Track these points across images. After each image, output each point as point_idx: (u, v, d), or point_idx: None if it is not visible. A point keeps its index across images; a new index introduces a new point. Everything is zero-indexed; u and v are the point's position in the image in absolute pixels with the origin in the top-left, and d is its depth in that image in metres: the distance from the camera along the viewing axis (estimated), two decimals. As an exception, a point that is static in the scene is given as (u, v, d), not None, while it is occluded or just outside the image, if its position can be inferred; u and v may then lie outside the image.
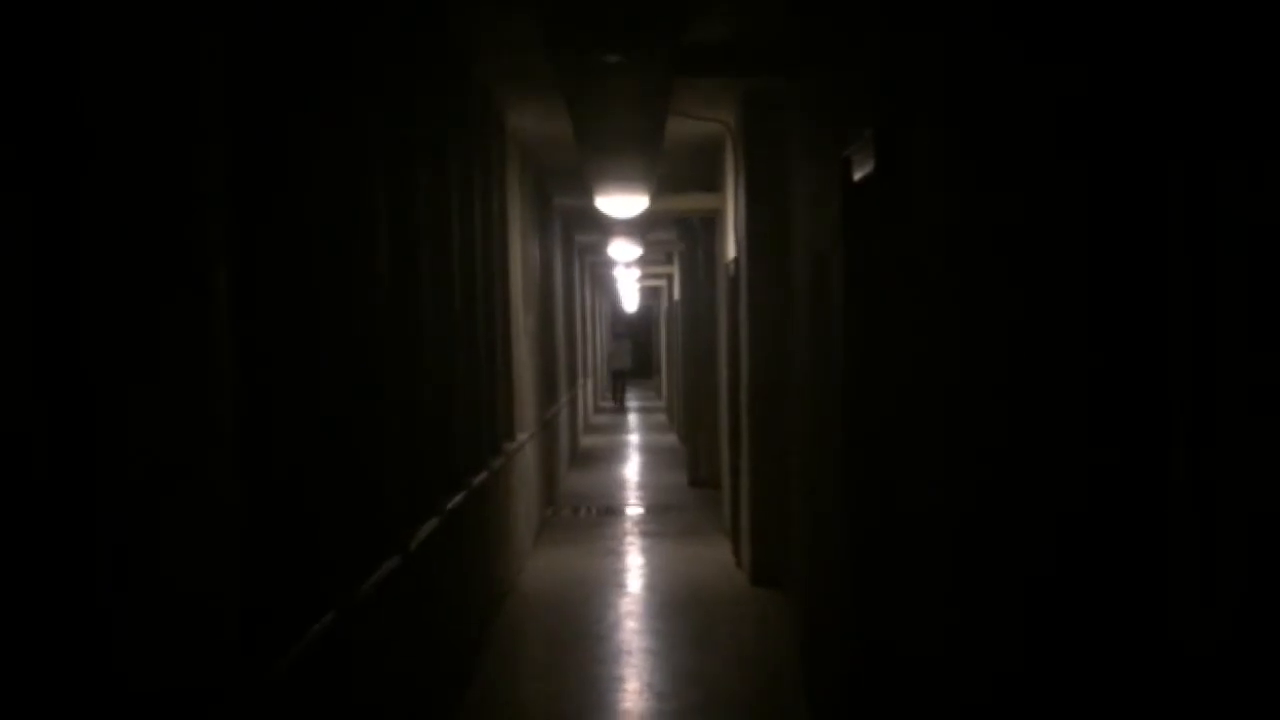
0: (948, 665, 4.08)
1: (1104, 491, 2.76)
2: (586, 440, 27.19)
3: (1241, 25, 2.23)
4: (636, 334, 48.72)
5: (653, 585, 11.73)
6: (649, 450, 25.04)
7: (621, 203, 12.19)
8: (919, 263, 4.41)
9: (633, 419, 34.24)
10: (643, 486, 19.22)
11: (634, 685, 8.42)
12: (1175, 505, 2.49)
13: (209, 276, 3.47)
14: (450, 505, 7.95)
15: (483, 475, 9.69)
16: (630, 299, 39.60)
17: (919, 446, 4.46)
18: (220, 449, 3.52)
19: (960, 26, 3.83)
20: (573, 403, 23.43)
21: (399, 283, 6.56)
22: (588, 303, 31.66)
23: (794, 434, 8.24)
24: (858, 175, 5.62)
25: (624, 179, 11.25)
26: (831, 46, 6.27)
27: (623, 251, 19.65)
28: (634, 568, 12.66)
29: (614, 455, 24.14)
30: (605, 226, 18.00)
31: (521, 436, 13.02)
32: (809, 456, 7.27)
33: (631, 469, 21.69)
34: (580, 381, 27.01)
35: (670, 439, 27.54)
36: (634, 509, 16.82)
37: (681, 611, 10.60)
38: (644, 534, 14.73)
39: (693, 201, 14.52)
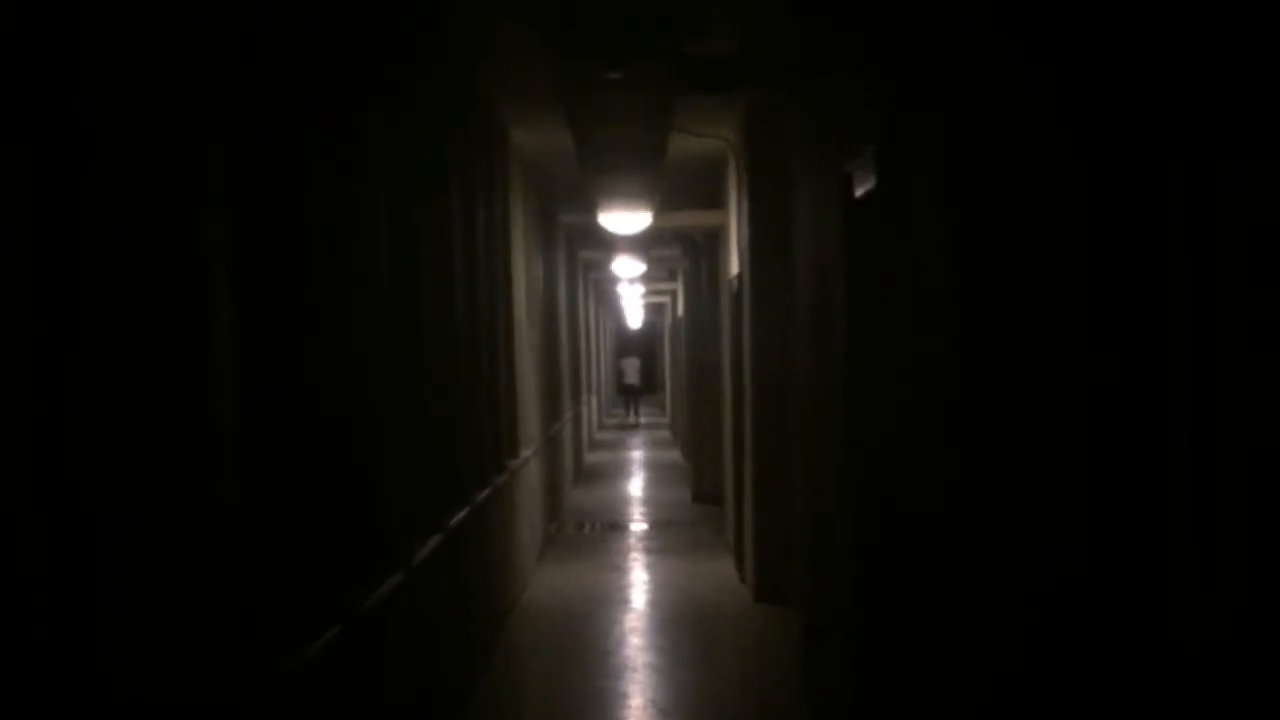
0: (948, 666, 4.07)
1: (1104, 491, 2.75)
2: (591, 456, 27.17)
3: (1240, 26, 2.23)
4: (640, 350, 48.77)
5: (656, 601, 11.71)
6: (653, 466, 25.03)
7: (624, 219, 12.18)
8: (919, 268, 4.41)
9: (637, 435, 34.25)
10: (646, 502, 19.20)
11: (638, 701, 8.39)
12: (1175, 504, 2.48)
13: (209, 276, 3.46)
14: (453, 521, 7.93)
15: (486, 491, 9.67)
16: (634, 315, 39.64)
17: (919, 448, 4.45)
18: (220, 450, 3.51)
19: (960, 32, 3.83)
20: (577, 419, 23.41)
21: (399, 286, 6.54)
22: (591, 319, 31.65)
23: (797, 437, 8.24)
24: (859, 190, 5.63)
25: (626, 195, 11.25)
26: (831, 60, 6.27)
27: (626, 268, 19.66)
28: (638, 583, 12.64)
29: (618, 471, 24.13)
30: (609, 243, 18.01)
31: (525, 452, 13.00)
32: (811, 459, 7.27)
33: (635, 485, 21.68)
34: (585, 398, 27.00)
35: (674, 455, 27.52)
36: (638, 525, 16.80)
37: (685, 627, 10.57)
38: (648, 550, 14.71)
39: (696, 218, 14.52)
